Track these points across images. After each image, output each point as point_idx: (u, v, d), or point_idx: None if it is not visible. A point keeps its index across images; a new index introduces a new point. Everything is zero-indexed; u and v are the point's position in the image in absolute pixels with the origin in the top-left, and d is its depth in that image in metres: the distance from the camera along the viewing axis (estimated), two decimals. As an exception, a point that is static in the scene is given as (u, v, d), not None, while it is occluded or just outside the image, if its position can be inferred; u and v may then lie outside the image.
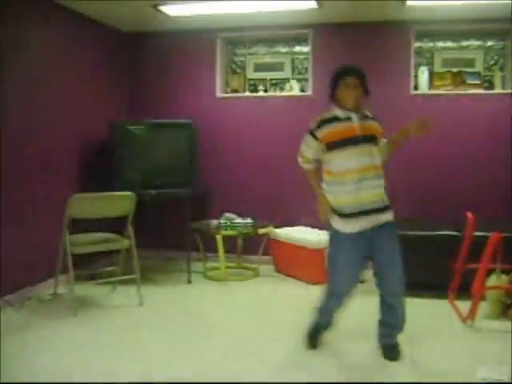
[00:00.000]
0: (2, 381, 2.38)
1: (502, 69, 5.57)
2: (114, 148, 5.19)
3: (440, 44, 5.69)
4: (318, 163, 3.32)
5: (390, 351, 3.29)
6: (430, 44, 5.70)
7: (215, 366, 3.22)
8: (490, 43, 5.61)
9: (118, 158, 5.17)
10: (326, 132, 3.16)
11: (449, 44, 5.68)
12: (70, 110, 5.04)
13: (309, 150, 3.29)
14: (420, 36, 5.63)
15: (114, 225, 4.50)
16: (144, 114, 5.82)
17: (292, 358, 3.34)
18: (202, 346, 3.54)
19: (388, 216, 3.20)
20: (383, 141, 3.28)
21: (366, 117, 3.23)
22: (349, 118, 3.17)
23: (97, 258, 4.92)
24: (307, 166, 3.38)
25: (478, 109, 5.41)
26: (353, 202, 3.12)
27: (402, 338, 3.29)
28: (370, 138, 3.16)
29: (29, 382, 2.43)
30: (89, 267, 4.98)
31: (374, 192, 3.14)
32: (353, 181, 3.10)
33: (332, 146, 3.14)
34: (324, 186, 3.27)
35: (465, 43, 5.65)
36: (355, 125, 3.15)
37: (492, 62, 5.62)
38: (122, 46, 5.92)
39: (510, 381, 2.98)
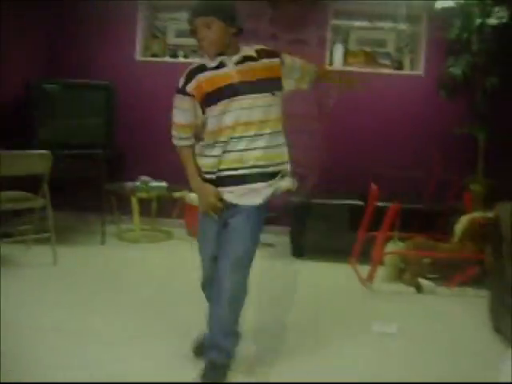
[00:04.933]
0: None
1: (411, 51, 5.91)
2: (30, 106, 5.09)
3: (356, 23, 5.94)
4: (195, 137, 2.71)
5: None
6: (347, 22, 5.94)
7: (127, 321, 3.35)
8: (402, 26, 5.92)
9: (34, 117, 5.09)
10: (196, 83, 2.55)
11: (364, 24, 5.94)
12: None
13: (183, 113, 2.64)
14: (338, 14, 5.85)
15: (29, 184, 4.45)
16: (62, 73, 5.71)
17: (203, 313, 3.51)
18: (115, 302, 3.64)
19: (258, 195, 2.58)
20: (305, 66, 2.75)
21: (248, 58, 2.57)
22: (222, 64, 2.55)
23: (9, 217, 4.86)
24: (183, 143, 2.71)
25: (388, 87, 5.73)
26: (216, 165, 2.58)
27: (309, 299, 3.39)
28: (256, 85, 2.53)
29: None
30: (1, 226, 4.91)
31: (251, 154, 2.54)
32: (223, 140, 2.54)
33: (207, 99, 2.53)
34: (196, 150, 2.69)
35: (379, 24, 5.93)
36: (231, 71, 2.54)
37: (403, 45, 5.94)
38: (41, 3, 5.74)
39: (393, 332, 3.35)
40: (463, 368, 2.95)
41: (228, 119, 2.53)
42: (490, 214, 4.11)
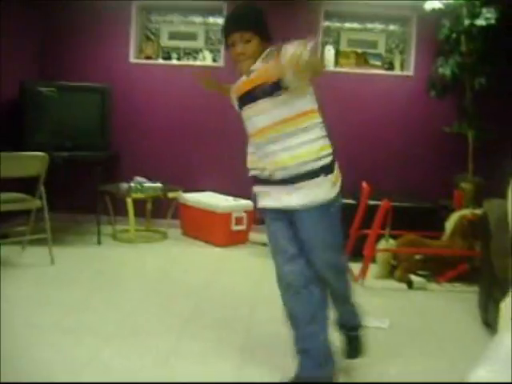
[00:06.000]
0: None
1: (401, 52, 6.00)
2: (25, 108, 5.15)
3: (347, 25, 6.03)
4: None
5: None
6: (338, 24, 6.03)
7: (126, 317, 3.41)
8: (392, 27, 6.01)
9: (30, 119, 5.15)
10: (233, 88, 2.73)
11: (355, 25, 6.03)
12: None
13: None
14: (329, 15, 5.93)
15: (25, 186, 4.51)
16: (55, 75, 5.78)
17: (198, 311, 3.58)
18: (113, 300, 3.70)
19: (311, 194, 2.48)
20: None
21: (253, 70, 2.54)
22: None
23: (5, 219, 4.91)
24: None
25: (379, 88, 5.81)
26: (259, 167, 2.60)
27: None
28: (255, 93, 2.49)
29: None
30: (-2, 227, 4.97)
31: (282, 157, 2.47)
32: (254, 145, 2.62)
33: (238, 105, 2.69)
34: None
35: (369, 26, 6.02)
36: (245, 80, 2.59)
37: (393, 46, 6.03)
38: (35, 5, 5.80)
39: (386, 327, 3.44)
40: (452, 360, 3.03)
41: (249, 126, 2.61)
42: (479, 211, 4.20)
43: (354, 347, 2.91)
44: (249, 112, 2.56)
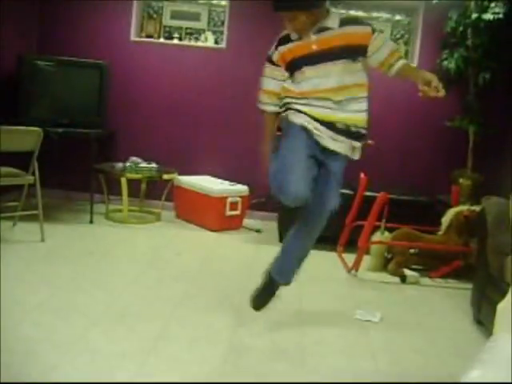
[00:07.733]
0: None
1: (406, 43, 5.92)
2: (21, 82, 5.06)
3: (352, 12, 5.93)
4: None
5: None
6: (343, 11, 5.91)
7: (115, 298, 3.36)
8: (398, 17, 5.93)
9: (26, 93, 5.06)
10: (281, 52, 2.79)
11: (360, 14, 5.93)
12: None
13: (272, 81, 2.90)
14: (334, 2, 5.83)
15: (18, 161, 4.43)
16: (54, 50, 5.67)
17: (188, 295, 3.54)
18: (103, 281, 3.65)
19: (345, 146, 2.88)
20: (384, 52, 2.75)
21: (327, 28, 2.69)
22: (301, 38, 2.74)
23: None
24: (270, 108, 2.94)
25: (381, 78, 5.69)
26: (311, 113, 2.74)
27: (294, 285, 3.33)
28: (331, 53, 2.68)
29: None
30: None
31: (338, 116, 2.75)
32: (310, 102, 2.75)
33: (290, 67, 2.79)
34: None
35: (375, 14, 5.93)
36: (312, 40, 2.70)
37: (398, 36, 5.95)
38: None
39: (377, 321, 3.39)
40: (441, 357, 3.00)
41: (306, 86, 2.73)
42: (476, 208, 4.16)
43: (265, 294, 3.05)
44: (312, 72, 2.70)
